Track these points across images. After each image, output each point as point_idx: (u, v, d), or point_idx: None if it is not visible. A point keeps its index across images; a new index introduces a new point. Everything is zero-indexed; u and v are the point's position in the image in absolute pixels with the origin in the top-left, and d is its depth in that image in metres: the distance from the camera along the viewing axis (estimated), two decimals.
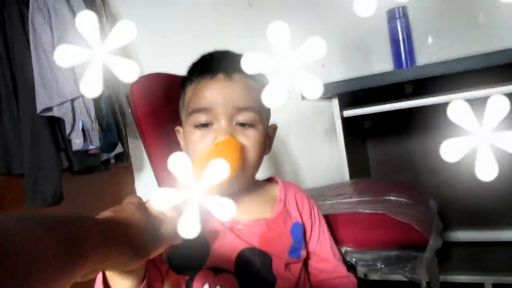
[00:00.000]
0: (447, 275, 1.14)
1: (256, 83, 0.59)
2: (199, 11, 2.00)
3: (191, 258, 0.56)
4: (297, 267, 0.61)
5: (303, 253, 0.63)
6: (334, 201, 0.90)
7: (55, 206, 1.55)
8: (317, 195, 1.03)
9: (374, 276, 0.66)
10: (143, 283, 0.46)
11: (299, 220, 0.64)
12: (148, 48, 2.13)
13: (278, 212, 0.62)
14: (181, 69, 2.11)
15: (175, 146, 0.86)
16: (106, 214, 0.42)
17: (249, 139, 0.57)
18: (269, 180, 0.70)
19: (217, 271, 0.55)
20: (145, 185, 2.19)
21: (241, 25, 1.90)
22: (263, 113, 0.60)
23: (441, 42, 1.56)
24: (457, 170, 1.45)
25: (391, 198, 0.85)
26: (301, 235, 0.63)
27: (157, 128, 0.83)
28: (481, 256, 1.30)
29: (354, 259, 0.68)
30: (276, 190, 0.66)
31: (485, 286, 1.10)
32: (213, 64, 0.61)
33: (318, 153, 1.72)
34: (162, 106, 0.91)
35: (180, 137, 0.66)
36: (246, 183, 0.60)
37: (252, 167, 0.59)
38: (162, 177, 0.84)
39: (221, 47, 1.92)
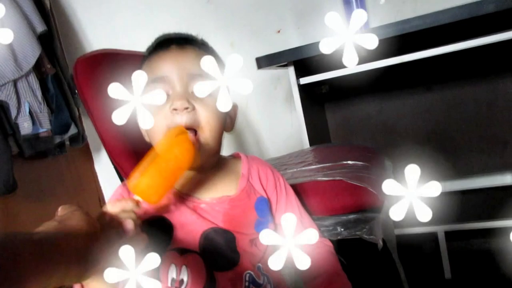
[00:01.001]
0: (403, 228, 1.22)
1: (210, 55, 0.59)
2: None
3: (156, 241, 0.56)
4: None
5: (270, 226, 0.63)
6: (295, 170, 0.92)
7: (9, 194, 1.48)
8: (279, 164, 1.04)
9: (333, 239, 0.70)
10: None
11: (264, 194, 0.64)
12: (97, 25, 2.01)
13: (241, 188, 0.62)
14: (131, 46, 1.98)
15: (127, 127, 0.83)
16: (50, 224, 0.39)
17: (206, 105, 0.56)
18: (233, 157, 0.70)
19: (182, 251, 0.56)
20: (104, 165, 2.13)
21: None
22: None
23: (393, 1, 1.57)
24: (411, 128, 1.52)
25: (349, 162, 0.87)
26: (266, 209, 0.64)
27: (107, 109, 0.80)
28: (435, 207, 1.39)
29: None
30: (239, 166, 0.66)
31: (438, 234, 1.18)
32: (165, 39, 0.62)
33: (278, 121, 1.73)
34: (109, 83, 0.86)
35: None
36: (209, 157, 0.59)
37: (212, 133, 0.57)
38: (118, 159, 0.81)
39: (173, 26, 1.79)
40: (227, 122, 0.63)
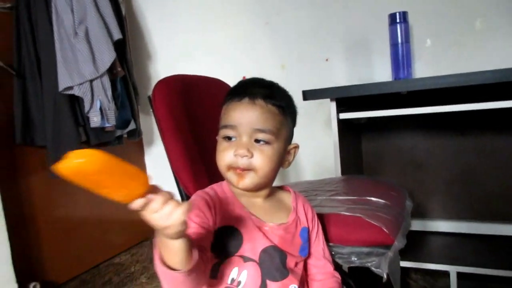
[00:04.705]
0: (418, 262, 1.31)
1: (276, 108, 0.72)
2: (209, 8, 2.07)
3: (227, 245, 0.70)
4: (301, 264, 0.77)
5: (308, 252, 0.78)
6: (324, 197, 1.05)
7: None
8: (311, 189, 1.18)
9: (346, 266, 0.84)
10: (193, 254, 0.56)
11: (306, 225, 0.79)
12: (163, 33, 2.22)
13: (292, 218, 0.77)
14: (191, 54, 2.18)
15: (190, 143, 1.00)
16: None
17: (262, 153, 0.70)
18: (282, 188, 0.84)
19: (245, 259, 0.70)
20: (153, 159, 2.35)
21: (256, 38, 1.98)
22: (281, 134, 0.73)
23: (439, 44, 1.65)
24: (440, 168, 1.60)
25: (372, 199, 0.99)
26: (307, 237, 0.78)
27: (176, 129, 0.97)
28: (453, 246, 1.47)
29: (333, 252, 0.84)
30: (289, 199, 0.81)
31: (450, 273, 1.26)
32: (242, 90, 0.74)
33: (317, 141, 1.86)
34: (178, 106, 1.03)
35: None
36: (259, 185, 0.73)
37: (264, 175, 0.71)
38: (179, 172, 0.97)
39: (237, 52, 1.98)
40: (285, 161, 0.77)
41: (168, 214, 0.48)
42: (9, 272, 1.54)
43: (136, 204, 0.47)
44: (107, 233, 2.09)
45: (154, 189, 0.48)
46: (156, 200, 0.48)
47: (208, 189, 0.76)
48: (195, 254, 0.56)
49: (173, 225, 0.49)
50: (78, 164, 0.40)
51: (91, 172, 0.41)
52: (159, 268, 0.55)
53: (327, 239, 0.85)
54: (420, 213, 1.63)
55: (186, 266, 0.54)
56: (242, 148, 0.69)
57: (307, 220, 0.80)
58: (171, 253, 0.53)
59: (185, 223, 0.50)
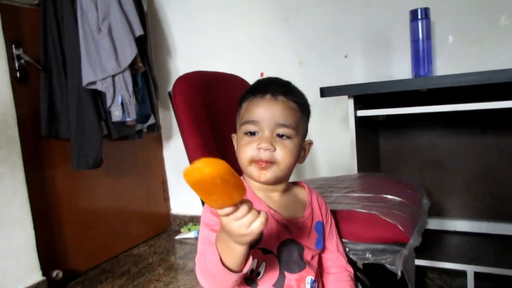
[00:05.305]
0: (437, 261, 1.30)
1: (296, 104, 0.74)
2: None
3: None
4: (317, 258, 0.79)
5: (323, 245, 0.80)
6: (339, 194, 1.06)
7: (95, 169, 1.76)
8: (327, 185, 1.18)
9: (360, 262, 0.84)
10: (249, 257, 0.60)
11: (320, 219, 0.81)
12: (183, 28, 2.25)
13: (308, 213, 0.79)
14: (209, 49, 2.20)
15: (208, 139, 1.02)
16: None
17: (285, 147, 0.72)
18: (296, 184, 0.86)
19: (265, 251, 0.72)
20: (172, 153, 2.39)
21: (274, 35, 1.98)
22: (300, 129, 0.75)
23: (461, 41, 1.62)
24: (460, 167, 1.57)
25: (388, 196, 0.99)
26: (322, 231, 0.80)
27: (195, 124, 0.99)
28: (471, 246, 1.45)
29: (347, 249, 0.85)
30: (304, 194, 0.83)
31: (468, 273, 1.25)
32: (263, 87, 0.76)
33: (334, 139, 1.86)
34: (198, 102, 1.05)
35: (234, 141, 0.81)
36: (279, 179, 0.75)
37: (285, 168, 0.73)
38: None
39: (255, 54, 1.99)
40: (301, 156, 0.79)
41: (248, 223, 0.51)
42: (34, 260, 1.61)
43: (226, 211, 0.50)
44: (127, 225, 2.15)
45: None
46: (242, 209, 0.50)
47: None
48: (250, 258, 0.60)
49: (251, 233, 0.52)
50: (204, 174, 0.42)
51: (212, 181, 0.44)
52: (218, 267, 0.58)
53: (342, 236, 0.86)
54: (438, 211, 1.62)
55: (242, 269, 0.59)
56: (265, 142, 0.71)
57: (321, 214, 0.82)
58: (233, 256, 0.57)
59: (261, 233, 0.52)
